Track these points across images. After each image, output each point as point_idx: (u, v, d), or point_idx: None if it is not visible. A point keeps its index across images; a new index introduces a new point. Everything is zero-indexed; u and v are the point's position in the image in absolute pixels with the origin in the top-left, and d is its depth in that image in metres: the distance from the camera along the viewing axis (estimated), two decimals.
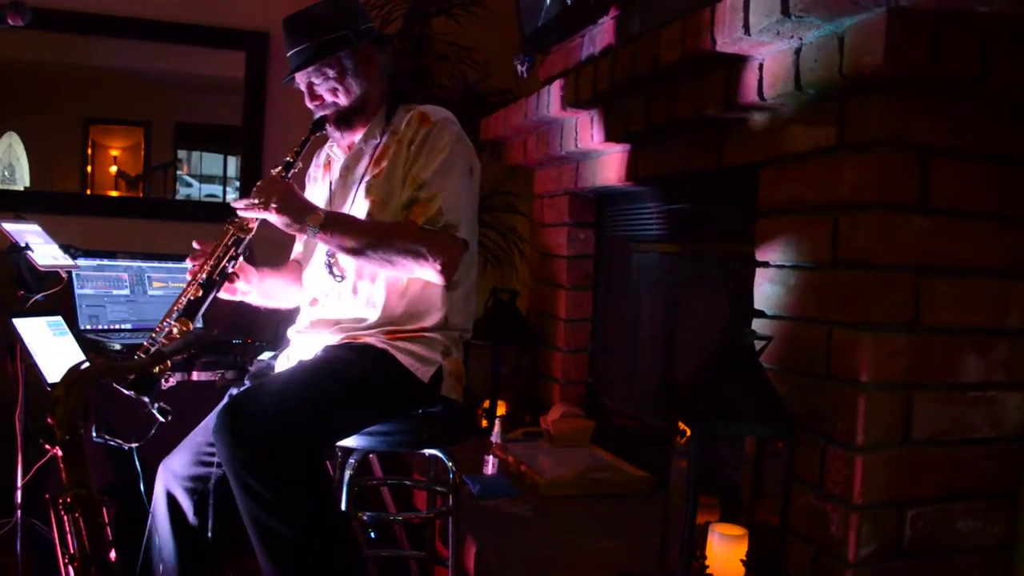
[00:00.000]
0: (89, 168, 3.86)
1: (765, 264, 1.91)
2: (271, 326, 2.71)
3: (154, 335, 1.73)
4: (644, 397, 2.77)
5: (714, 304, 2.36)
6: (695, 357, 2.44)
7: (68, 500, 1.24)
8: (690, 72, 2.02)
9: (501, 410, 3.03)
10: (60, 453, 1.24)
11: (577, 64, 2.84)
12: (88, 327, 2.74)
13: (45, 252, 2.38)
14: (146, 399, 1.61)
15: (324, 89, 1.98)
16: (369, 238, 1.85)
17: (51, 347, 2.17)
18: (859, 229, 1.66)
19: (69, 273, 2.51)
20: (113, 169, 3.88)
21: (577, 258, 3.11)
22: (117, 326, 2.82)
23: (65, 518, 1.25)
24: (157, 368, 1.57)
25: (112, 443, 1.56)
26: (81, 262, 2.58)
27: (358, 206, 1.97)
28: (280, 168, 1.93)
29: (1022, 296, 1.74)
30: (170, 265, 3.05)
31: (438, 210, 1.88)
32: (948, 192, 1.66)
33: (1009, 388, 1.75)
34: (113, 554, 1.28)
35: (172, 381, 1.74)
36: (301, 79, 1.99)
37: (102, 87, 3.83)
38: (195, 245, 1.92)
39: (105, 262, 2.87)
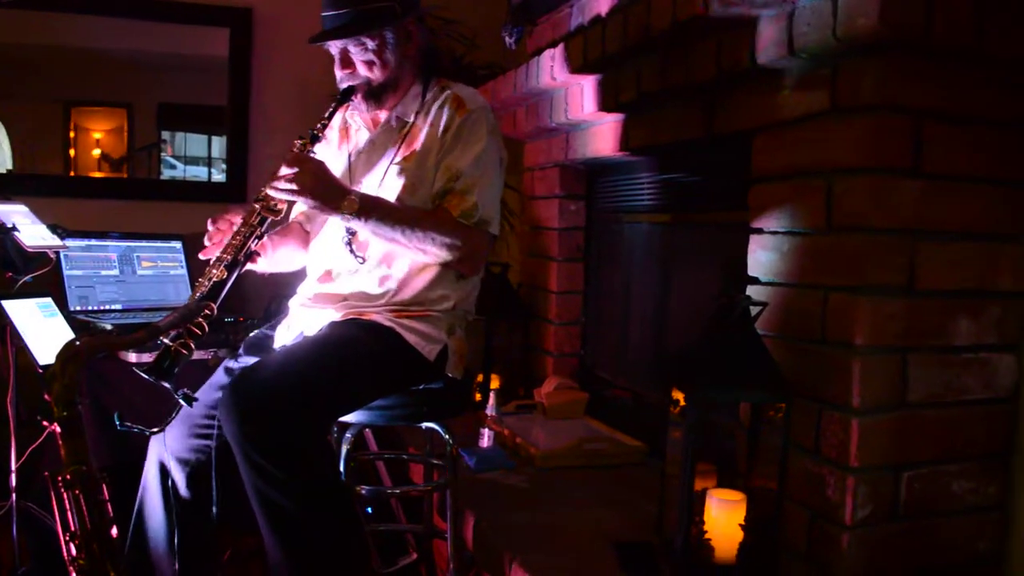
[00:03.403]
0: (72, 151, 3.81)
1: (759, 231, 1.90)
2: (261, 303, 2.71)
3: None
4: (637, 368, 2.77)
5: (707, 273, 2.36)
6: (688, 327, 2.44)
7: (68, 477, 1.23)
8: (681, 39, 2.01)
9: (495, 384, 3.04)
10: (58, 430, 1.23)
11: (566, 34, 2.82)
12: (78, 308, 2.73)
13: (32, 233, 2.35)
14: (167, 384, 1.60)
15: (360, 60, 1.92)
16: (404, 226, 1.84)
17: (41, 329, 2.15)
18: (853, 194, 1.65)
19: (57, 254, 2.49)
20: (96, 152, 3.83)
21: (568, 230, 3.11)
22: (107, 307, 2.81)
23: (65, 495, 1.25)
24: (178, 351, 1.57)
25: (136, 430, 1.55)
26: (69, 243, 2.56)
27: (387, 188, 1.95)
28: (305, 141, 1.87)
29: (1013, 258, 1.75)
30: (159, 244, 3.04)
31: (473, 204, 1.89)
32: (941, 156, 1.66)
33: (1001, 350, 1.76)
34: (115, 530, 1.27)
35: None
36: (335, 44, 1.92)
37: (83, 69, 3.78)
38: (209, 226, 1.87)
39: (93, 242, 2.85)
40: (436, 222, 1.88)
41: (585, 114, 2.61)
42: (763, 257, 1.89)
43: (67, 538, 1.26)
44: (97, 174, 3.79)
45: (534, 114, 3.00)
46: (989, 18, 1.59)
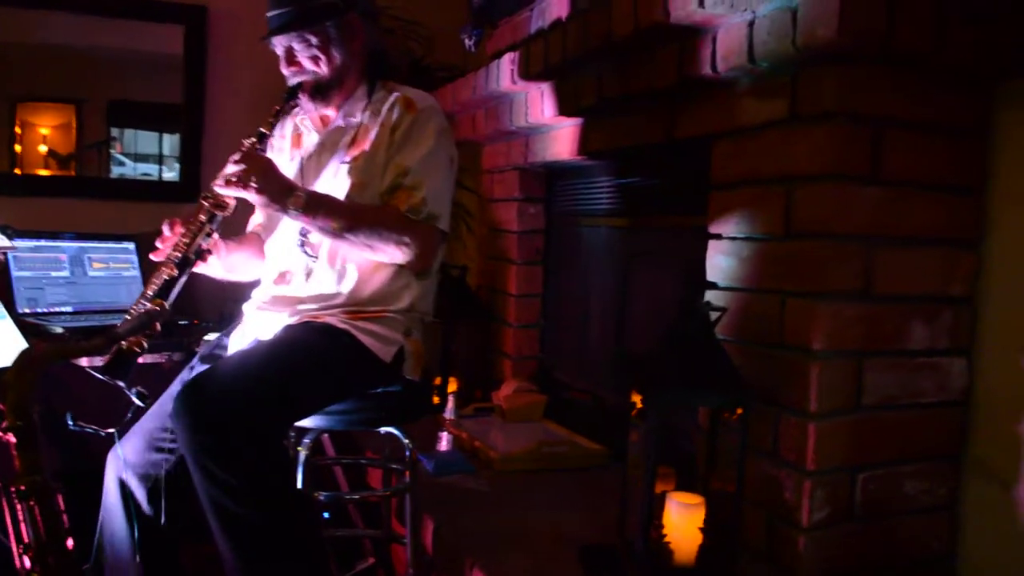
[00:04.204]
0: (18, 148, 3.72)
1: (718, 236, 1.92)
2: (216, 306, 2.66)
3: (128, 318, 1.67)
4: (596, 371, 2.78)
5: (666, 277, 2.38)
6: (647, 330, 2.46)
7: (22, 488, 1.20)
8: (643, 45, 2.02)
9: (453, 387, 3.02)
10: (13, 440, 1.20)
11: (527, 38, 2.82)
12: (27, 311, 2.66)
13: None
14: (121, 383, 1.56)
15: (304, 56, 1.91)
16: (351, 221, 1.82)
17: None
18: (811, 200, 1.68)
19: (5, 255, 2.43)
20: (43, 148, 3.74)
21: (527, 233, 3.11)
22: (57, 309, 2.74)
23: (19, 507, 1.22)
24: (131, 349, 1.53)
25: (89, 430, 1.52)
26: (18, 243, 2.50)
27: (337, 187, 1.93)
28: (254, 140, 1.85)
29: (966, 264, 1.79)
30: (111, 245, 2.97)
31: (422, 200, 1.87)
32: (899, 163, 1.70)
33: (953, 354, 1.80)
34: (71, 541, 1.24)
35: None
36: (280, 42, 1.91)
37: (30, 64, 3.69)
38: (164, 228, 1.84)
39: (43, 243, 2.78)
40: (384, 218, 1.87)
41: (545, 118, 2.62)
42: (722, 262, 1.91)
43: (21, 550, 1.23)
44: (44, 171, 3.70)
45: (494, 117, 3.00)
46: (949, 27, 1.62)
